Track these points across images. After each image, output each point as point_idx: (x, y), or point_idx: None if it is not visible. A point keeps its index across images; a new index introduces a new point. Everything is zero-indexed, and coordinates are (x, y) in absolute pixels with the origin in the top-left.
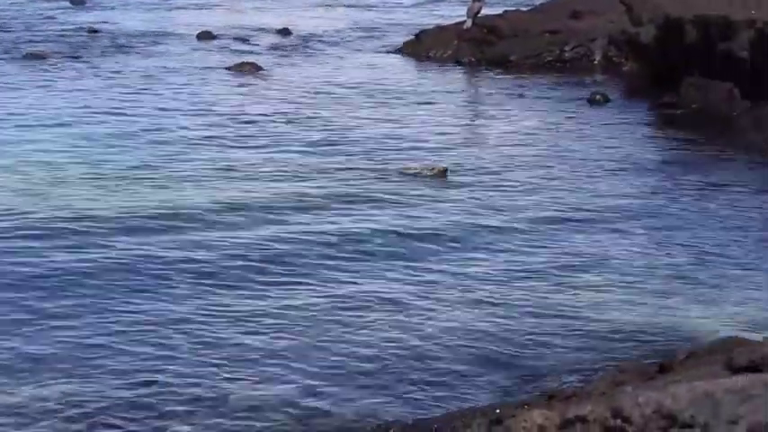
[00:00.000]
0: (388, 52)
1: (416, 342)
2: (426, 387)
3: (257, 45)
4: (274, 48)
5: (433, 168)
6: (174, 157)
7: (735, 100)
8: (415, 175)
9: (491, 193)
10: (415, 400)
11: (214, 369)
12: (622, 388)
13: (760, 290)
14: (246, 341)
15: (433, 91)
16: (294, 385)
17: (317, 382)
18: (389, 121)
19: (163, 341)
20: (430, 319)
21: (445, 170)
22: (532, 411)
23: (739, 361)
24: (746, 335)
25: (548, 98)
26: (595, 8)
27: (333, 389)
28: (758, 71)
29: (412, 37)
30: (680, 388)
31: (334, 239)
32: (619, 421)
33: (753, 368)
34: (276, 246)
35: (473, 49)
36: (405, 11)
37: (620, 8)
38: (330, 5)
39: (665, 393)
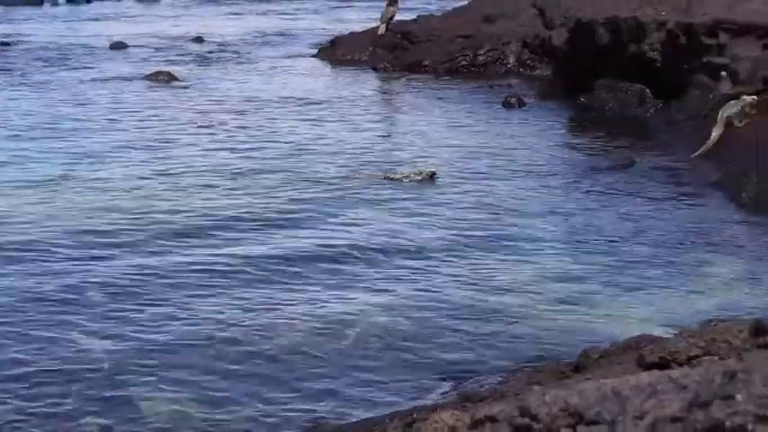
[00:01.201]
0: (302, 58)
1: (334, 347)
2: (345, 392)
3: (171, 54)
4: (189, 56)
5: (420, 173)
6: (92, 167)
7: (647, 100)
8: (401, 180)
9: (415, 202)
10: (334, 405)
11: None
12: (531, 387)
13: (671, 288)
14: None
15: (353, 96)
16: (209, 392)
17: (232, 388)
18: (316, 126)
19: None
20: (348, 324)
21: (433, 174)
22: (443, 412)
23: (649, 358)
24: (659, 332)
25: (463, 103)
26: (508, 12)
27: (249, 394)
28: (669, 71)
29: (326, 43)
30: (588, 385)
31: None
32: (527, 419)
33: (662, 364)
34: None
35: (387, 54)
36: (314, 18)
37: (532, 12)
38: (241, 14)
39: (572, 391)
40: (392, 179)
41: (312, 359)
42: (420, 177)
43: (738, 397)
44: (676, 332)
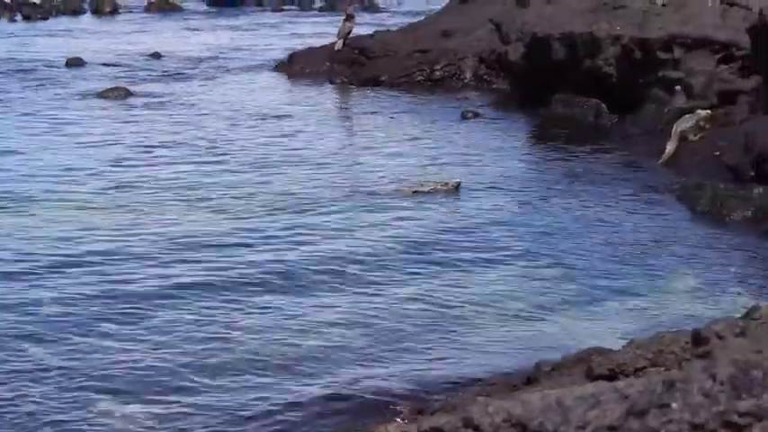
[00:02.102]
0: (261, 73)
1: (287, 359)
2: (297, 409)
3: (129, 70)
4: (146, 72)
5: (446, 184)
6: (49, 185)
7: (602, 115)
8: (428, 192)
9: (357, 213)
10: (286, 419)
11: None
12: (476, 398)
13: (628, 297)
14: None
15: (317, 111)
16: (165, 406)
17: (174, 409)
18: (291, 141)
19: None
20: (296, 342)
21: (458, 186)
22: (390, 424)
23: (598, 370)
24: (616, 342)
25: (422, 116)
26: (464, 27)
27: (194, 411)
28: (624, 85)
29: (284, 59)
30: (532, 396)
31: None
32: (470, 430)
33: (610, 376)
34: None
35: (345, 69)
36: (271, 33)
37: (489, 27)
38: (199, 29)
39: (515, 402)
40: (419, 192)
41: (267, 368)
42: (446, 188)
43: (674, 405)
44: (626, 344)
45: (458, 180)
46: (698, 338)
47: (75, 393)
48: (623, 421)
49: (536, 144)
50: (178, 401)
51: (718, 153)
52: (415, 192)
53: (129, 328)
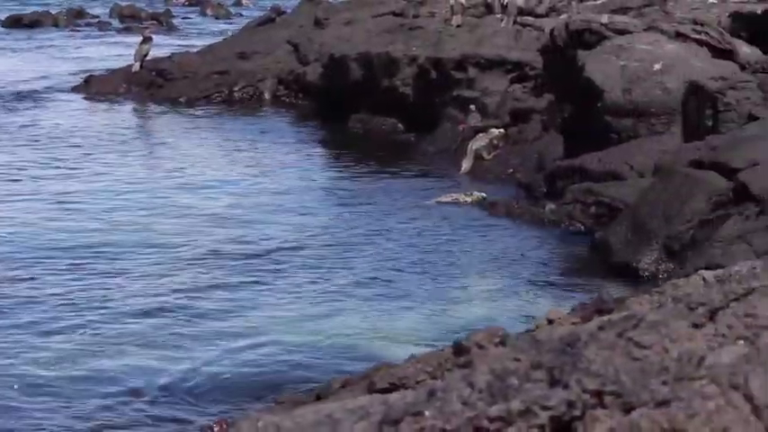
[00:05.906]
0: (55, 96)
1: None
2: None
3: None
4: None
5: (471, 195)
6: None
7: (400, 133)
8: (451, 202)
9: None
10: None
11: None
12: (249, 415)
13: (423, 306)
14: None
15: (116, 134)
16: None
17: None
18: (82, 165)
19: None
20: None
21: (483, 198)
22: None
23: (379, 384)
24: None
25: (222, 136)
26: (262, 48)
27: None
28: (420, 105)
29: (80, 81)
30: (305, 410)
31: None
32: None
33: (392, 389)
34: None
35: (143, 91)
36: (66, 55)
37: (287, 48)
38: None
39: (286, 416)
40: (441, 202)
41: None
42: (471, 199)
43: (426, 413)
44: (407, 358)
45: (483, 194)
46: (459, 349)
47: None
48: (378, 430)
49: (335, 162)
50: None
51: (511, 171)
52: (437, 202)
53: None
